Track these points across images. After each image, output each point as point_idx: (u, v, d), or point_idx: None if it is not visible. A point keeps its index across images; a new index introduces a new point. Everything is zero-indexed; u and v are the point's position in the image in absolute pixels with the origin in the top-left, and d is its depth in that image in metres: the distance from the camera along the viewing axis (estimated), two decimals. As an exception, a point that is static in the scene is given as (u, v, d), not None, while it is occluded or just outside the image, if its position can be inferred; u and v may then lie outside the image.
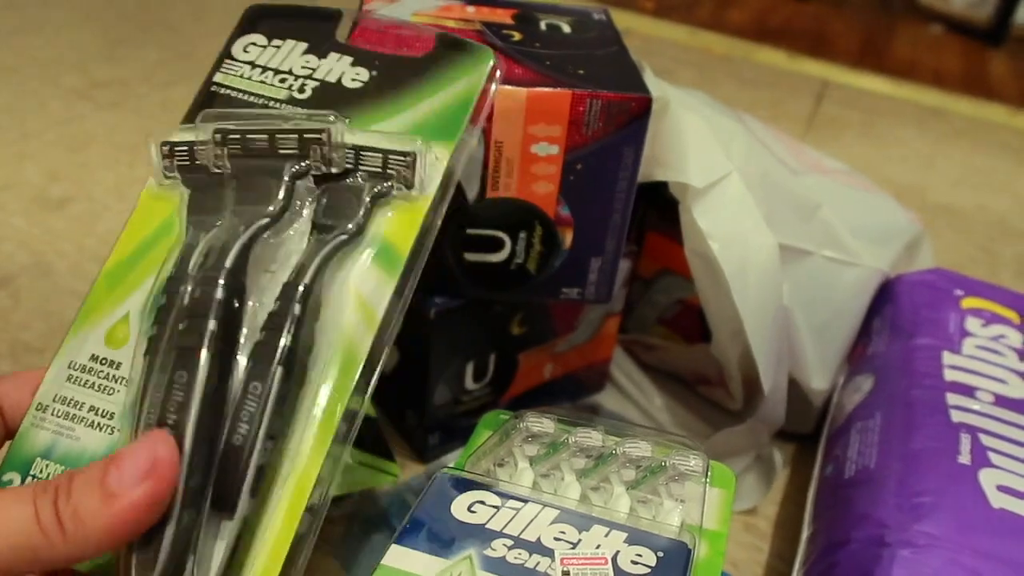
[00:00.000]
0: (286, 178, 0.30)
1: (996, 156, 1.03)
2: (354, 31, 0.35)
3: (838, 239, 0.49)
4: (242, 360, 0.27)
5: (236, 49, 0.34)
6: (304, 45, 0.34)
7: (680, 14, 1.44)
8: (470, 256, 0.41)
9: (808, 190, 0.50)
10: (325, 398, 0.28)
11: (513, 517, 0.31)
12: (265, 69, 0.34)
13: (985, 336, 0.47)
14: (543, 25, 0.43)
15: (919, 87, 1.24)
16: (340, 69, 0.33)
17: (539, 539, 0.31)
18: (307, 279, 0.29)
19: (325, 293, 0.29)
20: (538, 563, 0.30)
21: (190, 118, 0.32)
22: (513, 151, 0.37)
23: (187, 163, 0.31)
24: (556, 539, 0.31)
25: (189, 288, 0.28)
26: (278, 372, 0.27)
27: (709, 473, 0.34)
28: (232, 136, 0.31)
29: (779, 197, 0.47)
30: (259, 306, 0.29)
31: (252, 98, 0.33)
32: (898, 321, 0.49)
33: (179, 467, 0.25)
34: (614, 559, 0.30)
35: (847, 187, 0.54)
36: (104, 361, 0.29)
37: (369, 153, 0.31)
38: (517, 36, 0.41)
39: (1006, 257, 0.80)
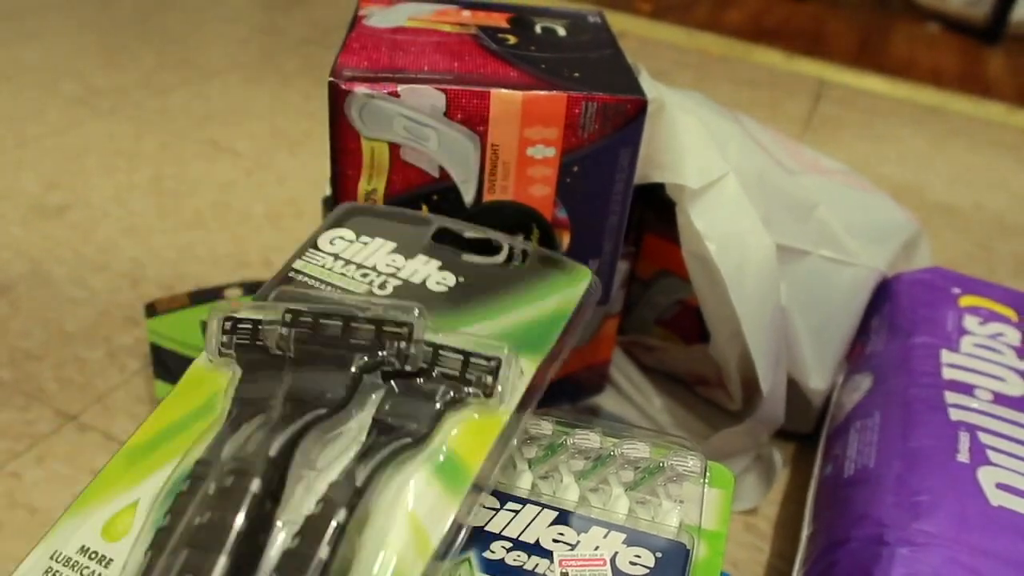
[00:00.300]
0: (353, 369, 0.27)
1: (993, 154, 1.03)
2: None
3: (835, 239, 0.49)
4: (264, 571, 0.23)
5: (322, 240, 0.34)
6: (392, 244, 0.34)
7: (677, 15, 1.44)
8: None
9: (805, 190, 0.50)
10: None
11: (512, 519, 0.31)
12: (348, 262, 0.33)
13: (983, 334, 0.47)
14: (538, 28, 0.43)
15: (916, 86, 1.24)
16: (426, 272, 0.33)
17: (538, 541, 0.31)
18: (359, 482, 0.24)
19: (376, 502, 0.25)
20: (537, 565, 0.30)
21: (262, 297, 0.30)
22: (509, 154, 0.37)
23: (247, 341, 0.29)
24: (555, 541, 0.31)
25: (219, 475, 0.24)
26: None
27: (707, 474, 0.34)
28: (304, 318, 0.28)
29: (776, 197, 0.47)
30: (296, 506, 0.25)
31: (329, 288, 0.31)
32: (896, 320, 0.49)
33: None
34: (612, 560, 0.30)
35: (844, 187, 0.54)
36: (94, 556, 0.25)
37: (449, 353, 0.28)
38: (512, 40, 0.41)
39: (1004, 254, 0.81)
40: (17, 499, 0.45)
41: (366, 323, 0.28)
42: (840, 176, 0.56)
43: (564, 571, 0.30)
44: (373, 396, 0.27)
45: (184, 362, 0.50)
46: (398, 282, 0.32)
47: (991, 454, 0.39)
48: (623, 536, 0.31)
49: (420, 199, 0.38)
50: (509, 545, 0.30)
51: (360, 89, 0.35)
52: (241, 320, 0.29)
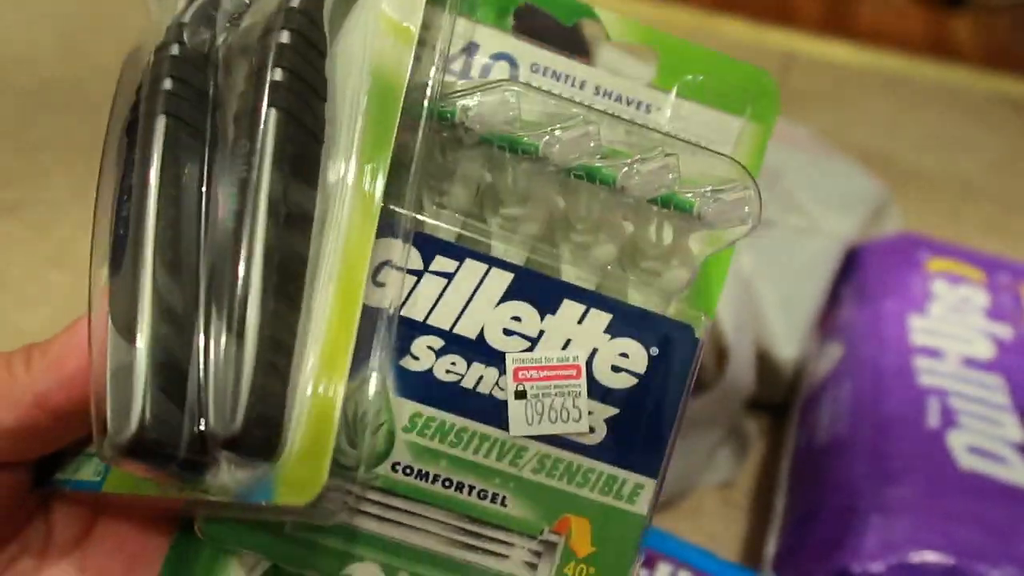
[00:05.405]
0: None
1: (961, 119, 1.03)
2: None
3: (801, 208, 0.49)
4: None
5: None
6: None
7: (643, -10, 1.43)
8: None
9: (769, 160, 0.49)
10: (356, 152, 0.20)
11: (443, 291, 0.21)
12: None
13: (952, 298, 0.47)
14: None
15: (883, 53, 1.24)
16: None
17: (482, 333, 0.21)
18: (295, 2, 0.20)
19: (339, 22, 0.21)
20: (481, 378, 0.21)
21: None
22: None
23: None
24: (507, 332, 0.21)
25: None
26: (272, 116, 0.19)
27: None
28: None
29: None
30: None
31: None
32: (865, 287, 0.49)
33: None
34: (589, 365, 0.21)
35: (810, 155, 0.54)
36: None
37: None
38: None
39: (974, 218, 0.81)
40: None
41: None
42: (807, 143, 0.56)
43: (520, 388, 0.21)
44: None
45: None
46: None
47: (961, 418, 0.38)
48: (607, 319, 0.21)
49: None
50: (440, 343, 0.21)
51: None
52: None
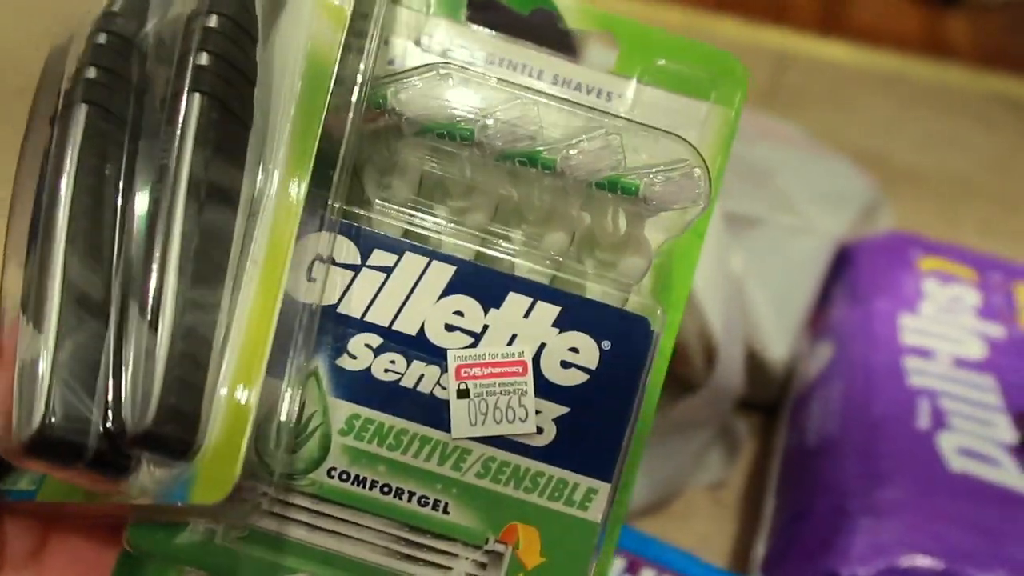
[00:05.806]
0: None
1: (957, 118, 1.03)
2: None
3: (792, 206, 0.49)
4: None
5: None
6: None
7: (639, -11, 1.43)
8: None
9: (762, 158, 0.49)
10: (285, 141, 0.19)
11: (380, 287, 0.20)
12: None
13: (943, 297, 0.47)
14: None
15: (880, 52, 1.24)
16: None
17: (423, 330, 0.20)
18: None
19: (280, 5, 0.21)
20: (421, 376, 0.20)
21: None
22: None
23: None
24: (449, 328, 0.20)
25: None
26: (195, 102, 0.19)
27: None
28: None
29: (733, 165, 0.46)
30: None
31: None
32: (856, 287, 0.49)
33: None
34: (536, 362, 0.20)
35: (802, 153, 0.54)
36: None
37: None
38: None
39: (970, 217, 0.81)
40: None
41: None
42: (799, 142, 0.56)
43: (462, 386, 0.20)
44: None
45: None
46: None
47: (952, 419, 0.38)
48: (555, 312, 0.20)
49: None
50: (378, 341, 0.20)
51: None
52: None
